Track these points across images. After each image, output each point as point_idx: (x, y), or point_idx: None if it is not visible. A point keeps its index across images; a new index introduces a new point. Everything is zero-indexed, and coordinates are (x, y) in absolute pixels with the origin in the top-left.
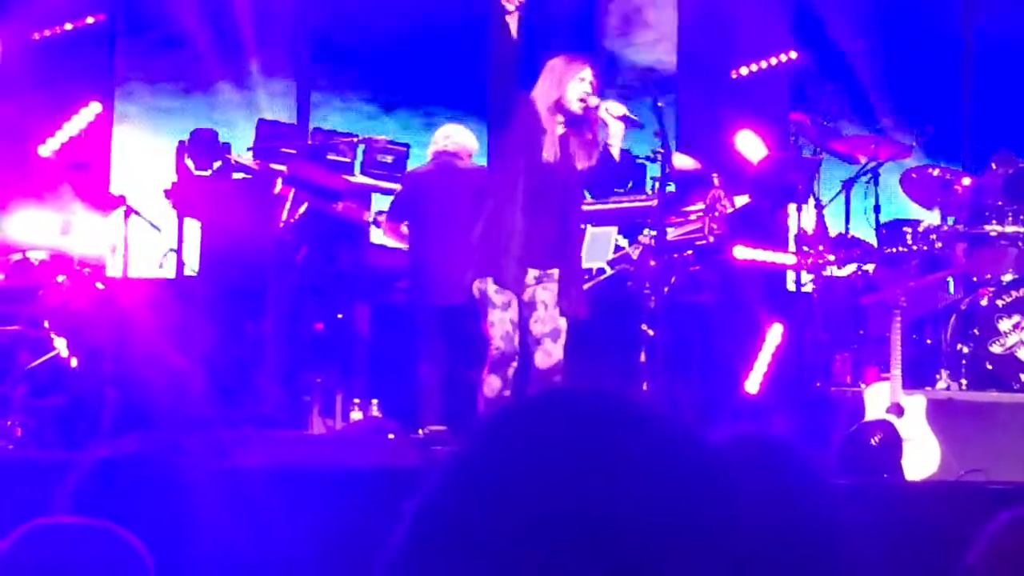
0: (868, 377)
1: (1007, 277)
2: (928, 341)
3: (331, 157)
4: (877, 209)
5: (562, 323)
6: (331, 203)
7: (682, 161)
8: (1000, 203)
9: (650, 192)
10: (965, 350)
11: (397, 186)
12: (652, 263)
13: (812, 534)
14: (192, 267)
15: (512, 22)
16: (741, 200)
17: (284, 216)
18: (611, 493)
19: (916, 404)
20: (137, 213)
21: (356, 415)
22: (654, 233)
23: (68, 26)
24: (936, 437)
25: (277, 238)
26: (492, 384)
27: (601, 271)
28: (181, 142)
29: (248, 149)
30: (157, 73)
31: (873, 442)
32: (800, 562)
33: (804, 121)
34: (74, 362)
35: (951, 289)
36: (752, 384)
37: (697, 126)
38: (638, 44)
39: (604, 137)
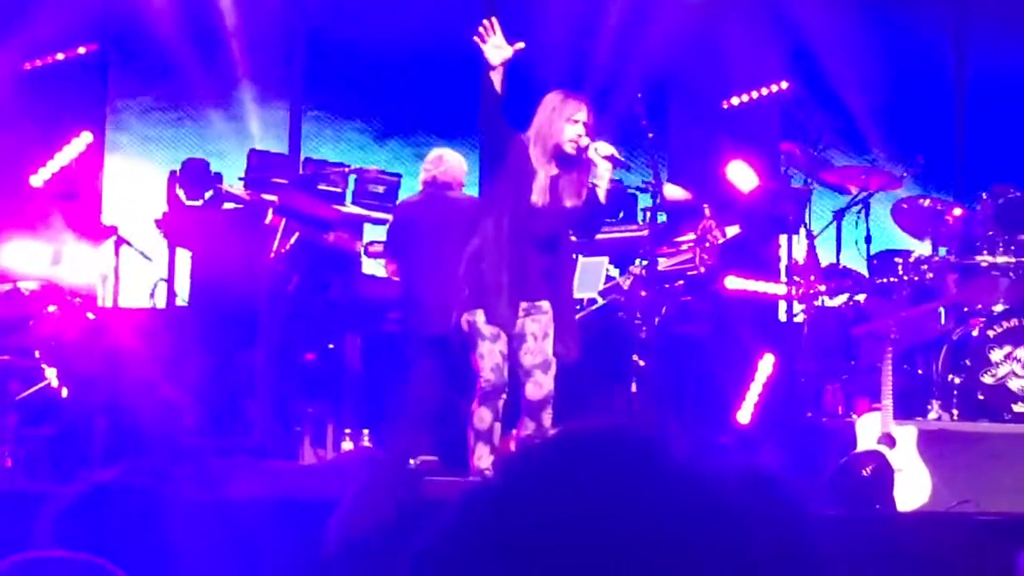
0: (859, 407)
1: (998, 308)
2: (919, 371)
3: (322, 187)
4: (868, 239)
5: (551, 355)
6: (322, 233)
7: (673, 192)
8: (991, 233)
9: (641, 222)
10: (956, 380)
11: (388, 216)
12: (643, 293)
13: (804, 565)
14: (183, 297)
15: (496, 77)
16: (732, 230)
17: (275, 246)
18: (637, 535)
19: (907, 435)
20: (128, 243)
21: (347, 445)
22: (645, 263)
23: (60, 56)
24: (927, 468)
25: (268, 268)
26: (482, 416)
27: (592, 301)
28: (172, 172)
29: (239, 179)
30: (149, 103)
31: (864, 473)
32: None
33: (795, 151)
34: (65, 392)
35: (942, 319)
36: (743, 414)
37: (688, 156)
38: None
39: (591, 178)
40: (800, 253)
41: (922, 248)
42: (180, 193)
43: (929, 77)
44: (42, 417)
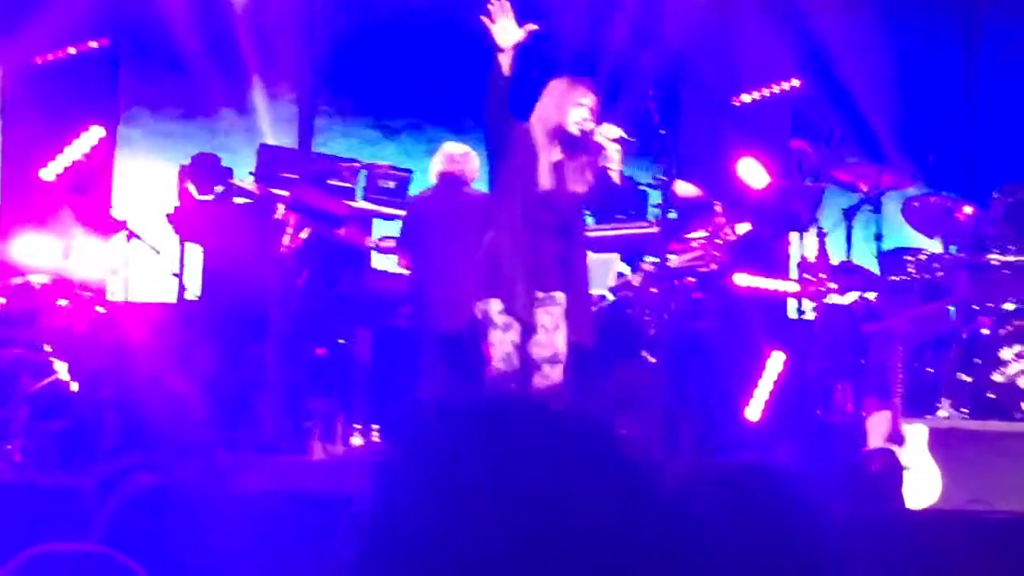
0: (869, 406)
1: (1009, 306)
2: (929, 370)
3: (333, 182)
4: (879, 237)
5: (561, 348)
6: (333, 228)
7: (684, 188)
8: (1002, 231)
9: (652, 219)
10: (967, 379)
11: (399, 212)
12: (653, 290)
13: (813, 562)
14: (193, 291)
15: (504, 60)
16: (743, 228)
17: (286, 241)
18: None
19: (917, 433)
20: (138, 237)
21: (357, 440)
22: (656, 260)
23: (71, 50)
24: (937, 466)
25: (278, 263)
26: None
27: (602, 298)
28: (183, 166)
29: (250, 174)
30: (159, 98)
31: (874, 471)
32: None
33: (806, 149)
34: (75, 386)
35: (953, 318)
36: (753, 412)
37: (699, 153)
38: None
39: (603, 161)
40: (811, 251)
41: (933, 246)
42: (191, 188)
43: (940, 75)
44: (52, 411)
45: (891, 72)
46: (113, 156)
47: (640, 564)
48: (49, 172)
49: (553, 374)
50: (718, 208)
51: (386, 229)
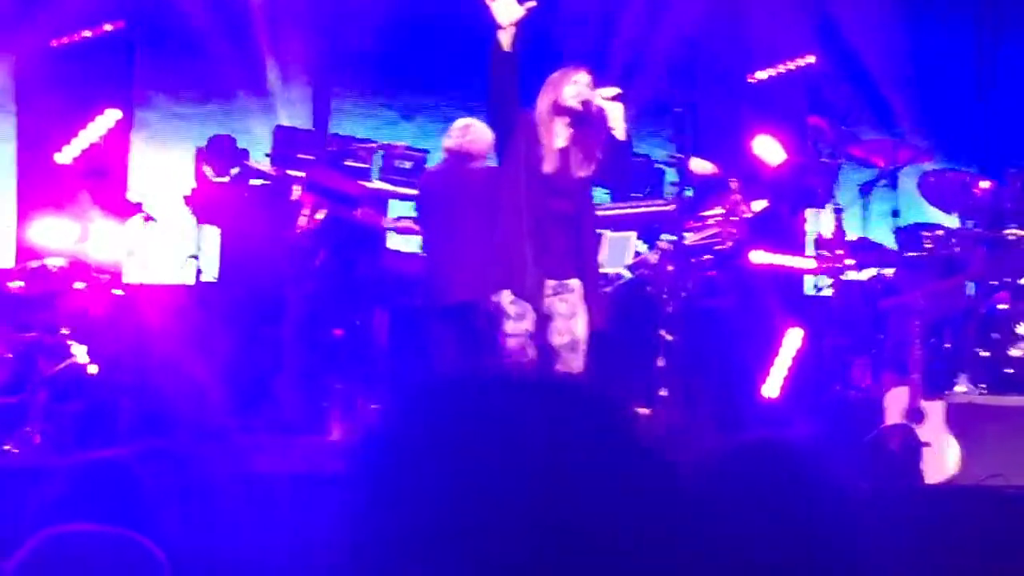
0: (887, 381)
1: None
2: (947, 345)
3: (349, 163)
4: (895, 213)
5: (581, 334)
6: (349, 209)
7: (700, 166)
8: (1019, 206)
9: (668, 197)
10: (984, 354)
11: (415, 192)
12: (670, 268)
13: (832, 537)
14: (210, 273)
15: (505, 38)
16: (759, 205)
17: (302, 222)
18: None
19: (935, 409)
20: (155, 220)
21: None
22: (672, 238)
23: (86, 33)
24: (955, 442)
25: (295, 244)
26: None
27: (619, 276)
28: (199, 149)
29: (266, 155)
30: (175, 80)
31: (892, 447)
32: (820, 564)
33: (822, 125)
34: (93, 369)
35: (970, 293)
36: (771, 389)
37: (715, 130)
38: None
39: (609, 123)
40: (827, 227)
41: (949, 221)
42: (207, 170)
43: (955, 49)
44: (70, 394)
45: (906, 47)
46: (129, 139)
47: (658, 540)
48: (65, 155)
49: (574, 362)
50: (734, 185)
51: (402, 210)
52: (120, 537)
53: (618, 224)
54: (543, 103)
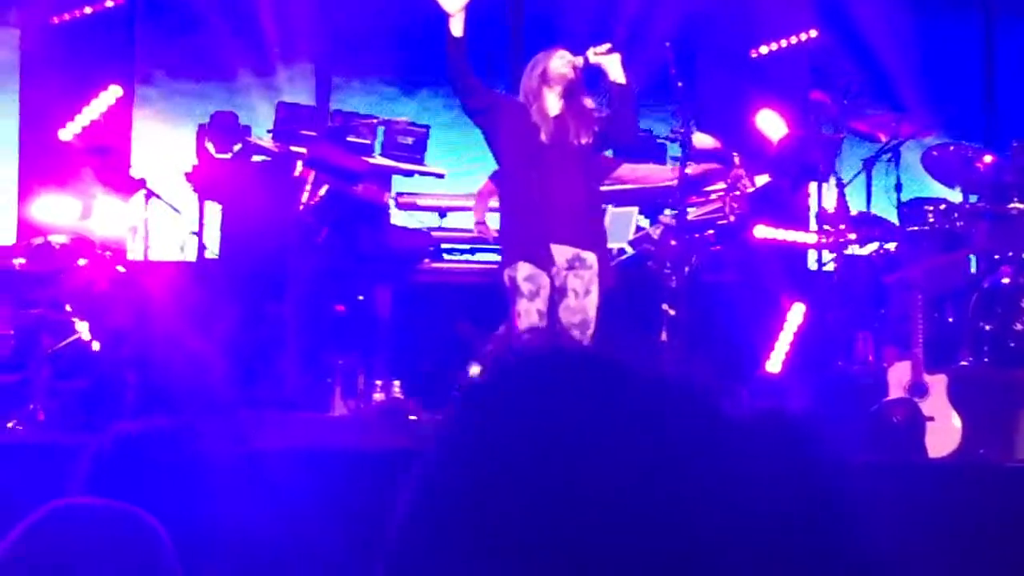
0: (890, 356)
1: None
2: (950, 319)
3: (351, 139)
4: (898, 188)
5: (591, 314)
6: (351, 185)
7: (702, 141)
8: (1022, 180)
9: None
10: (987, 328)
11: (417, 167)
12: (673, 243)
13: (833, 511)
14: (213, 250)
15: (455, 24)
16: (762, 179)
17: (304, 198)
18: (610, 468)
19: (938, 382)
20: (158, 196)
21: (378, 396)
22: (675, 213)
23: (88, 10)
24: (958, 415)
25: (297, 220)
26: None
27: (622, 251)
28: (201, 125)
29: (268, 132)
30: (177, 57)
31: (895, 420)
32: (820, 538)
33: (825, 100)
34: (96, 345)
35: (973, 267)
36: (773, 363)
37: (717, 105)
38: None
39: (611, 78)
40: (830, 202)
41: (953, 196)
42: (209, 146)
43: (959, 23)
44: (74, 370)
45: (909, 20)
46: (131, 115)
47: (661, 513)
48: (67, 132)
49: (582, 340)
50: (737, 160)
51: (404, 185)
52: (120, 510)
53: (620, 199)
54: (531, 78)
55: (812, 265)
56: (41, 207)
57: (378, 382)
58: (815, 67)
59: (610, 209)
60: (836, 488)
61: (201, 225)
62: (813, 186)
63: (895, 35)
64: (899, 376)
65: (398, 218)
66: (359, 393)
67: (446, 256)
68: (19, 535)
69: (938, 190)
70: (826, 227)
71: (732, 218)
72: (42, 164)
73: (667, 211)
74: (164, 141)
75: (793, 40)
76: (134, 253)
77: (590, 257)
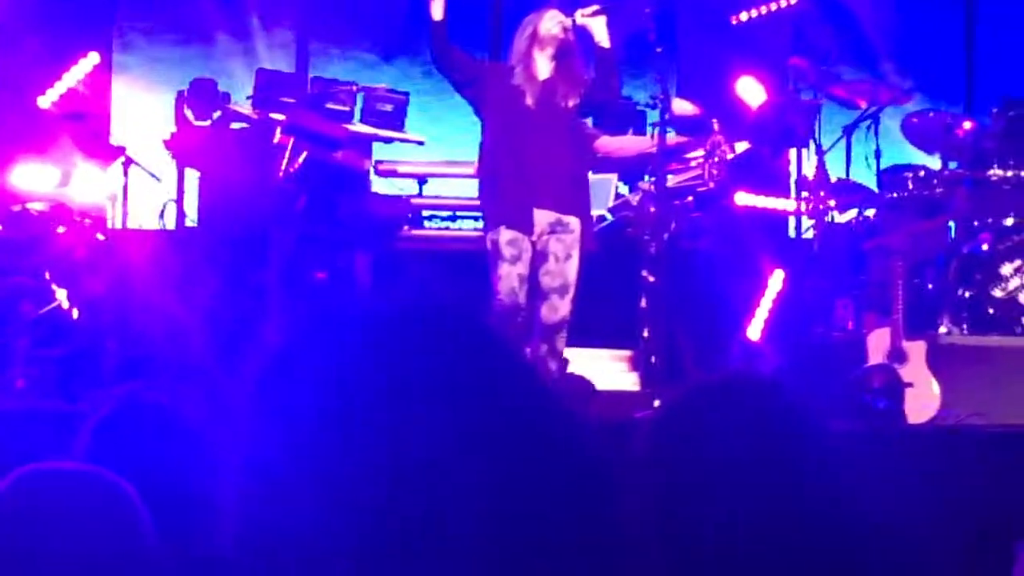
0: (869, 322)
1: (1008, 221)
2: (929, 286)
3: (330, 106)
4: (878, 154)
5: (572, 278)
6: (331, 152)
7: (682, 107)
8: (1001, 147)
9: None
10: (966, 295)
11: (397, 134)
12: (652, 209)
13: (813, 476)
14: (192, 218)
15: (435, 7)
16: (741, 146)
17: (284, 165)
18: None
19: (917, 349)
20: (137, 164)
21: None
22: (654, 179)
23: None
24: (937, 381)
25: (277, 187)
26: None
27: (602, 218)
28: (180, 92)
29: (247, 98)
30: (155, 23)
31: (875, 387)
32: (802, 503)
33: (804, 66)
34: (75, 313)
35: (952, 234)
36: (753, 330)
37: (697, 71)
38: None
39: (595, 41)
40: (810, 168)
41: (932, 162)
42: (188, 113)
43: None
44: (53, 338)
45: None
46: (110, 82)
47: (639, 484)
48: (46, 99)
49: (562, 306)
50: (716, 126)
51: (384, 152)
52: (93, 474)
53: (600, 166)
54: (521, 40)
55: (792, 232)
56: (20, 174)
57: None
58: (795, 33)
59: (589, 176)
60: (815, 452)
61: (180, 192)
62: (793, 152)
63: (875, 1)
64: (878, 342)
65: (378, 185)
66: None
67: (427, 223)
68: None
69: (917, 157)
70: (806, 194)
71: (712, 185)
72: (20, 131)
73: (646, 178)
74: (143, 108)
75: (773, 7)
76: (113, 221)
77: (572, 221)
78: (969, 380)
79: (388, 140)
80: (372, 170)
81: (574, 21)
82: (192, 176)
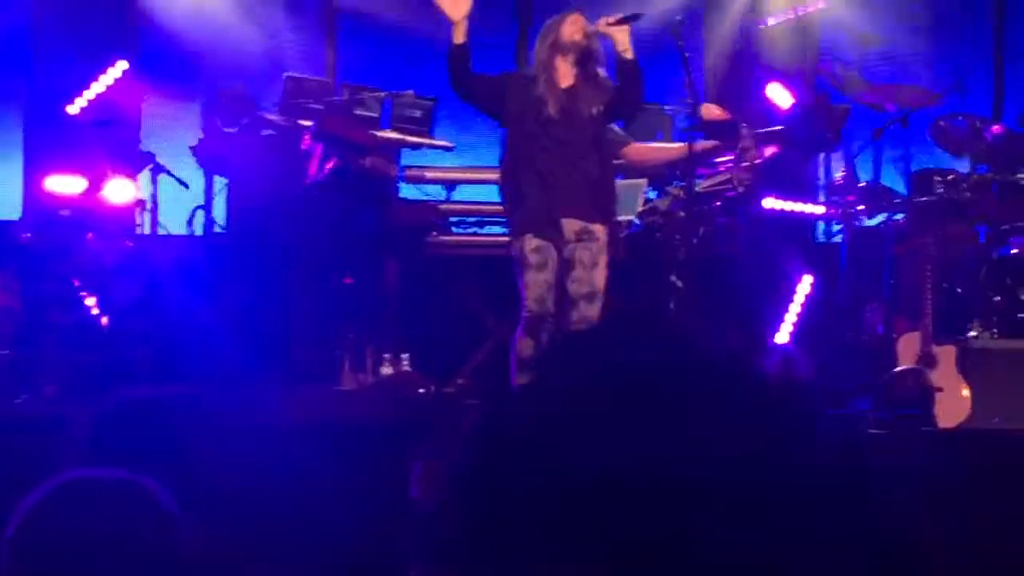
0: (899, 327)
1: None
2: (959, 290)
3: (359, 112)
4: (907, 158)
5: (600, 285)
6: (359, 158)
7: (711, 112)
8: None
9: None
10: (996, 299)
11: (425, 140)
12: (681, 215)
13: (843, 482)
14: (221, 224)
15: (457, 31)
16: (770, 151)
17: (312, 172)
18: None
19: (947, 353)
20: (166, 171)
21: (387, 370)
22: (683, 185)
23: None
24: (967, 386)
25: (305, 194)
26: (524, 346)
27: (631, 224)
28: (209, 99)
29: (275, 105)
30: (184, 29)
31: (905, 391)
32: (831, 508)
33: (833, 71)
34: (105, 320)
35: (982, 238)
36: (782, 335)
37: (726, 77)
38: None
39: (618, 51)
40: (838, 173)
41: (961, 166)
42: (216, 120)
43: None
44: (82, 345)
45: None
46: (139, 89)
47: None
48: (76, 107)
49: (590, 312)
50: (745, 131)
51: (412, 158)
52: (129, 482)
53: (628, 172)
54: (542, 48)
55: (821, 237)
56: (50, 182)
57: (386, 355)
58: (824, 38)
59: (618, 182)
60: (846, 458)
61: (208, 199)
62: (821, 157)
63: (904, 5)
64: (908, 347)
65: (406, 191)
66: (368, 366)
67: (455, 229)
68: (24, 510)
69: (946, 161)
70: (835, 198)
71: (740, 190)
72: (50, 138)
73: (675, 183)
74: (172, 115)
75: (802, 12)
76: (142, 227)
77: (598, 229)
78: (999, 384)
79: (416, 146)
80: (400, 176)
81: (597, 29)
82: (220, 183)
